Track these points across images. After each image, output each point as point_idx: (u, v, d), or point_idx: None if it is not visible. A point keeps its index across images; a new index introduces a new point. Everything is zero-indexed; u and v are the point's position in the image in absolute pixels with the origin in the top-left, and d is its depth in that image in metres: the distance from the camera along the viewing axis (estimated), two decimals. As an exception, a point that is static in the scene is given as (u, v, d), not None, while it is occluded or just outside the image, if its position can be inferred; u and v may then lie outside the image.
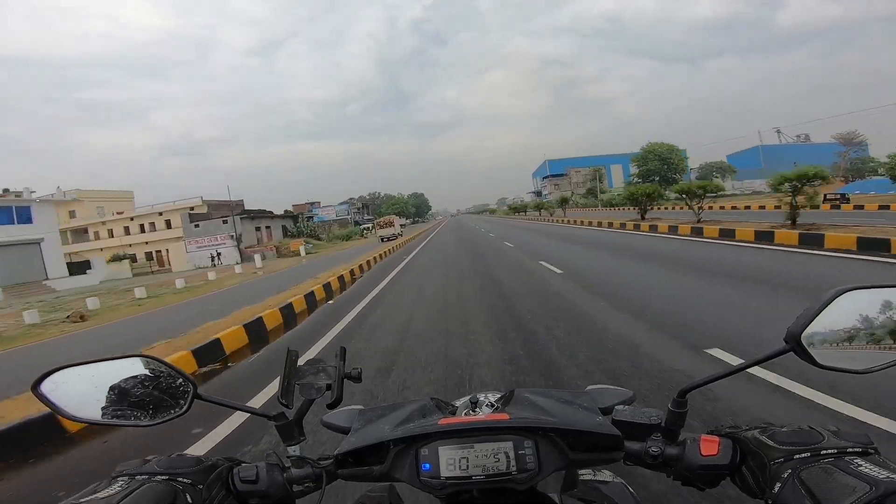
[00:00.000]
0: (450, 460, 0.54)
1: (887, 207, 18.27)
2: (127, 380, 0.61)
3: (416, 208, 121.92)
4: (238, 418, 3.11)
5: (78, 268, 36.70)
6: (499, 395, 0.70)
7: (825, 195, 27.27)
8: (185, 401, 0.62)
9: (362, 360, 4.17)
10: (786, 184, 9.61)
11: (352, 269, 12.13)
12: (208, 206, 44.99)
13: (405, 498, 0.72)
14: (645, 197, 15.97)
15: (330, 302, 8.30)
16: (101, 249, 47.31)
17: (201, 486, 0.54)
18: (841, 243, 7.55)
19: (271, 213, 47.34)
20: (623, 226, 16.51)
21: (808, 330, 0.50)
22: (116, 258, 44.56)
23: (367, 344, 4.89)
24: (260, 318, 6.40)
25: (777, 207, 10.21)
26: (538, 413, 0.58)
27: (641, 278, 6.86)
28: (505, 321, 5.09)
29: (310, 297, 8.32)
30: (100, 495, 0.48)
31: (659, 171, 58.71)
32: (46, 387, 0.59)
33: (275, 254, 38.65)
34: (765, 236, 9.17)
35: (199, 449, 2.78)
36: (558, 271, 8.13)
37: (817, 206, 12.01)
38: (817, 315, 0.50)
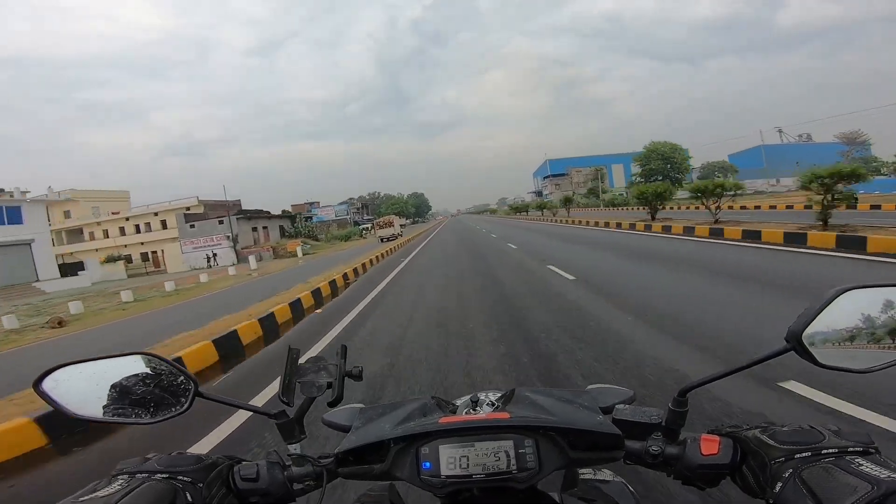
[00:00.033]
0: (450, 459, 0.54)
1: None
2: (128, 377, 0.61)
3: (415, 208, 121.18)
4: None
5: (71, 269, 35.99)
6: (499, 394, 0.69)
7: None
8: (186, 399, 0.62)
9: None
10: (815, 182, 8.78)
11: (345, 273, 11.35)
12: (205, 207, 44.27)
13: (405, 496, 0.71)
14: (655, 196, 15.17)
15: (318, 311, 7.51)
16: (97, 250, 46.70)
17: (201, 485, 0.53)
18: (887, 247, 6.75)
19: (268, 213, 46.54)
20: (633, 226, 15.65)
21: (810, 329, 0.50)
22: (111, 259, 43.84)
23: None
24: (234, 332, 5.64)
25: (808, 207, 9.40)
26: (539, 412, 0.57)
27: (669, 286, 6.05)
28: (515, 341, 4.29)
29: (296, 305, 7.54)
30: (100, 494, 0.48)
31: (662, 170, 57.88)
32: (48, 384, 0.58)
33: (272, 255, 37.90)
34: (796, 238, 8.36)
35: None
36: (570, 277, 7.33)
37: (854, 207, 11.21)
38: (818, 314, 0.49)
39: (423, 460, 0.55)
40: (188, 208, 44.47)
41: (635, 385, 3.00)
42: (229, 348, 5.35)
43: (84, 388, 0.60)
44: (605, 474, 0.75)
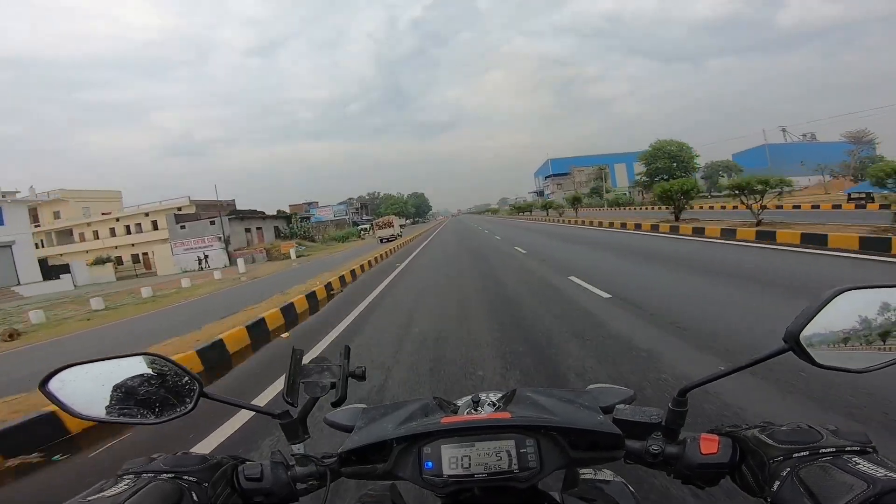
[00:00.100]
0: (452, 458, 0.54)
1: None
2: (133, 378, 0.61)
3: (415, 208, 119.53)
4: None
5: (54, 272, 34.46)
6: (500, 395, 0.69)
7: (850, 194, 24.98)
8: (190, 399, 0.62)
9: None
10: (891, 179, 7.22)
11: (341, 277, 9.82)
12: (197, 207, 42.76)
13: (406, 496, 0.71)
14: (682, 194, 13.58)
15: (284, 336, 5.96)
16: (87, 252, 45.28)
17: (206, 485, 0.54)
18: None
19: (262, 213, 44.94)
20: (655, 228, 14.03)
21: (807, 330, 0.50)
22: (100, 261, 42.30)
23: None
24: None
25: (884, 207, 7.85)
26: (540, 412, 0.58)
27: (746, 311, 4.47)
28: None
29: (258, 327, 6.02)
30: (106, 493, 0.48)
31: (668, 169, 56.19)
32: (54, 385, 0.58)
33: (265, 256, 36.37)
34: (876, 245, 6.77)
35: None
36: (602, 294, 5.77)
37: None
38: (816, 315, 0.50)
39: (425, 460, 0.55)
40: (179, 208, 42.96)
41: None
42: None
43: (90, 388, 0.60)
44: (606, 474, 0.74)
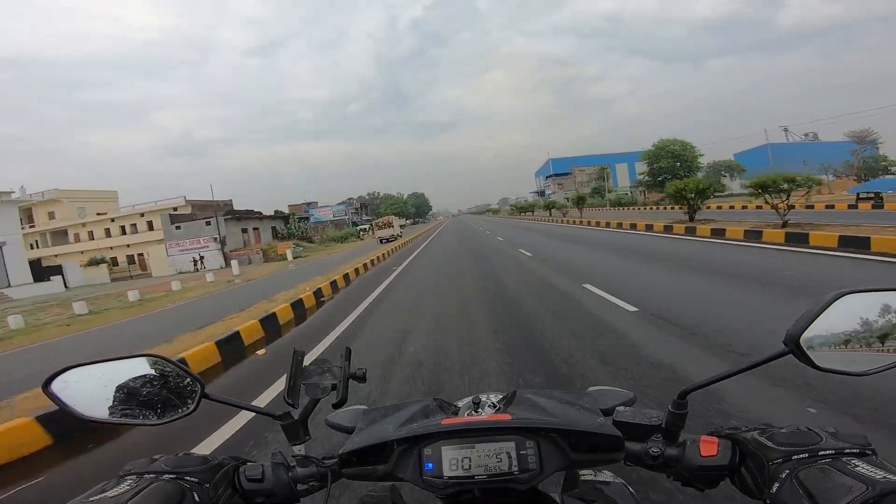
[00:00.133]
0: (452, 460, 0.55)
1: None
2: (135, 379, 0.61)
3: (416, 209, 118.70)
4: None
5: (47, 273, 33.72)
6: (501, 396, 0.69)
7: (858, 194, 24.16)
8: (192, 400, 0.62)
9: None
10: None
11: (332, 281, 9.07)
12: (193, 207, 42.02)
13: (407, 497, 0.71)
14: (697, 193, 12.76)
15: (260, 353, 5.20)
16: (82, 252, 44.56)
17: (208, 485, 0.54)
18: None
19: (259, 213, 44.14)
20: (669, 229, 13.14)
21: (808, 333, 0.50)
22: (94, 262, 41.55)
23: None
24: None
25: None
26: (540, 414, 0.58)
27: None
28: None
29: (231, 341, 5.27)
30: (109, 494, 0.48)
31: (671, 168, 55.37)
32: (57, 386, 0.59)
33: (261, 258, 35.60)
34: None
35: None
36: (628, 307, 5.00)
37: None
38: (816, 318, 0.50)
39: (425, 461, 0.55)
40: (175, 208, 42.22)
41: None
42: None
43: (92, 389, 0.60)
44: (606, 475, 0.74)
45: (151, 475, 0.52)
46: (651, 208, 42.99)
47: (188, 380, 0.62)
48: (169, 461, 0.55)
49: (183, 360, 4.42)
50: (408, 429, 0.57)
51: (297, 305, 7.43)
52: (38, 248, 46.99)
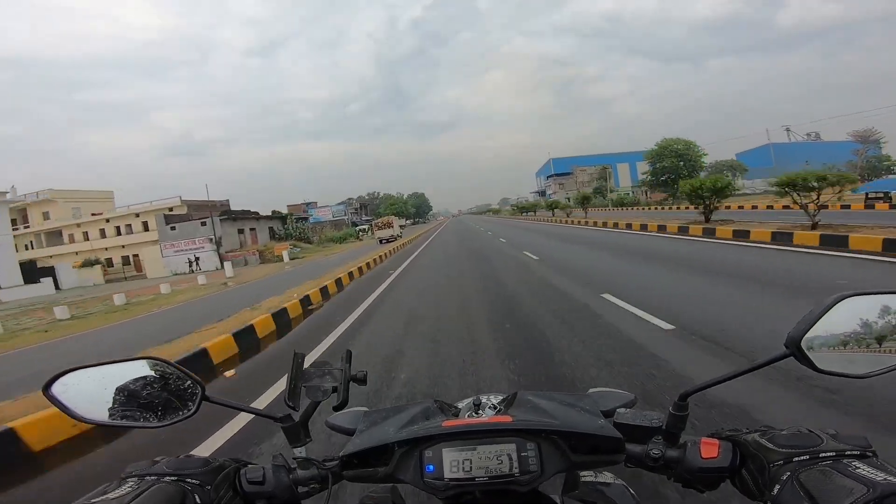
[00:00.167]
0: (453, 462, 0.55)
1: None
2: (136, 381, 0.61)
3: (416, 209, 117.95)
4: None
5: (41, 274, 33.00)
6: (501, 398, 0.69)
7: (867, 194, 23.45)
8: (193, 402, 0.62)
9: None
10: None
11: (307, 296, 8.33)
12: (188, 207, 41.23)
13: (408, 499, 0.71)
14: (714, 192, 12.04)
15: (228, 374, 4.46)
16: (76, 253, 43.81)
17: (209, 487, 0.54)
18: None
19: (256, 213, 43.39)
20: (684, 230, 12.32)
21: (809, 335, 0.50)
22: (88, 263, 40.82)
23: None
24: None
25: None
26: (541, 415, 0.58)
27: None
28: None
29: (196, 361, 4.54)
30: (110, 496, 0.48)
31: (674, 168, 54.58)
32: (57, 388, 0.58)
33: (258, 259, 34.86)
34: None
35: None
36: (660, 324, 4.26)
37: None
38: (817, 320, 0.50)
39: (426, 463, 0.55)
40: (171, 209, 41.46)
41: None
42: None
43: (92, 392, 0.60)
44: (607, 477, 0.74)
45: (153, 477, 0.52)
46: (655, 208, 42.25)
47: (188, 382, 0.62)
48: (170, 463, 0.54)
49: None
50: (409, 431, 0.57)
51: (281, 314, 6.68)
52: (32, 248, 46.29)
